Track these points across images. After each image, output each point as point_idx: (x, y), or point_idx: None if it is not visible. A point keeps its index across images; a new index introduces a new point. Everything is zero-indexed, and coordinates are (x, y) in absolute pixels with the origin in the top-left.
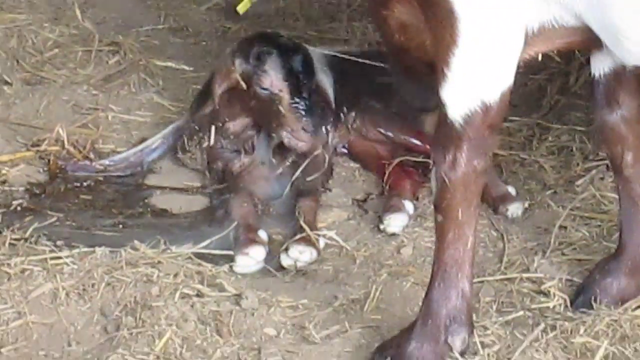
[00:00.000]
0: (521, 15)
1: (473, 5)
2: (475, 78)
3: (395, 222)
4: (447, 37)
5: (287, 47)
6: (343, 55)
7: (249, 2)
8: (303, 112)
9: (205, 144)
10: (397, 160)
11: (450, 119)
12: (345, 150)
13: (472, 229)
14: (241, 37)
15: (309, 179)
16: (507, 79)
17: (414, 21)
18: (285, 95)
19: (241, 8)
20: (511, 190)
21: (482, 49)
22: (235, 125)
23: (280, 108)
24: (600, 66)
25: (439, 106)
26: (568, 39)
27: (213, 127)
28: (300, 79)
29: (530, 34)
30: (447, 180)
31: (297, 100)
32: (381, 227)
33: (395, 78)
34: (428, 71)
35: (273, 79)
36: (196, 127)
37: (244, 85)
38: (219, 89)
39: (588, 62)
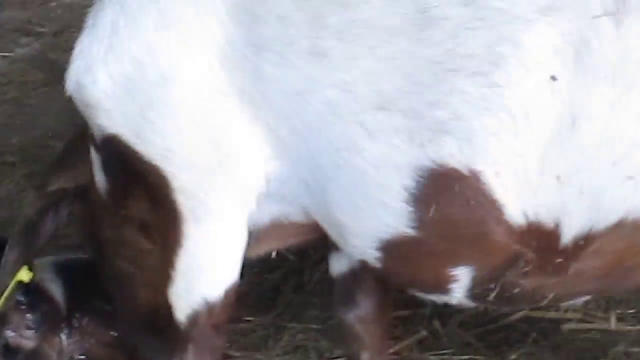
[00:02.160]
0: (246, 213)
1: (197, 206)
2: (198, 277)
3: None
4: (171, 238)
5: None
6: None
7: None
8: (24, 308)
9: None
10: None
11: (175, 320)
12: (83, 357)
13: None
14: None
15: None
16: (230, 277)
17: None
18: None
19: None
20: None
21: (204, 249)
22: None
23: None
24: (337, 265)
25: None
26: (300, 235)
27: None
28: None
29: (261, 230)
30: None
31: (17, 296)
32: None
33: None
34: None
35: None
36: None
37: None
38: None
39: (322, 259)
